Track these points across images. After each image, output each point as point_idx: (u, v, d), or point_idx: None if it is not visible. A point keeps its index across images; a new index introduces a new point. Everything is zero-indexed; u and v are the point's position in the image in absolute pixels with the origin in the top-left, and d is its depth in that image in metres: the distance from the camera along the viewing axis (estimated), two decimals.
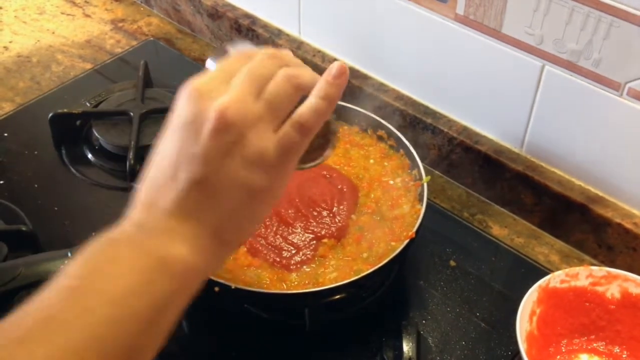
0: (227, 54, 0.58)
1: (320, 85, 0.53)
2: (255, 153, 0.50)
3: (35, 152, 0.98)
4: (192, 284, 0.50)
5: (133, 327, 0.45)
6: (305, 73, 0.54)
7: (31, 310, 0.44)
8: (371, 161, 0.85)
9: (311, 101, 0.52)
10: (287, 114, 0.52)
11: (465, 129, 0.93)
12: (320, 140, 0.57)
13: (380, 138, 0.87)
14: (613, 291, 0.74)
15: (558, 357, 0.74)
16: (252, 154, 0.50)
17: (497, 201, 0.93)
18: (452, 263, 0.85)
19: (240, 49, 0.57)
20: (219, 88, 0.51)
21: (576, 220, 0.86)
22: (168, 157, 0.51)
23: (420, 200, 0.79)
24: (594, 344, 0.75)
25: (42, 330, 0.43)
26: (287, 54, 0.55)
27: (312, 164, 0.58)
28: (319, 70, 1.05)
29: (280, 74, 0.52)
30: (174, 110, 0.52)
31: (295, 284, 0.72)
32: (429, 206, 0.77)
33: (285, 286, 0.72)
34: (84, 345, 0.43)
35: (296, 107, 0.53)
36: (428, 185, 0.79)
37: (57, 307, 0.44)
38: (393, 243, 0.75)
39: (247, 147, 0.49)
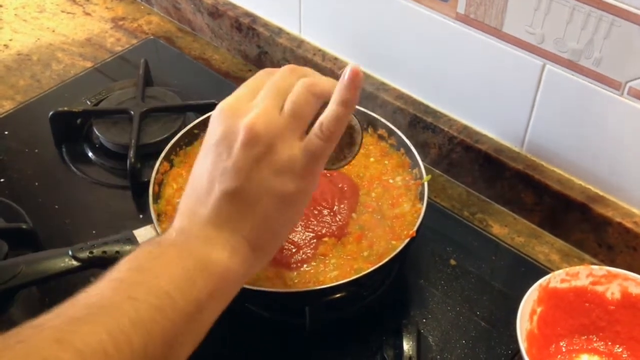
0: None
1: (337, 91, 0.57)
2: (284, 161, 0.54)
3: (36, 150, 0.98)
4: (230, 287, 0.55)
5: (175, 319, 0.49)
6: (324, 81, 0.58)
7: (83, 297, 0.48)
8: (371, 160, 0.85)
9: (331, 108, 0.56)
10: (310, 121, 0.57)
11: (465, 128, 0.93)
12: (346, 139, 0.62)
13: (380, 137, 0.87)
14: (613, 290, 0.74)
15: (559, 357, 0.74)
16: (280, 162, 0.54)
17: (497, 200, 0.93)
18: (453, 262, 0.85)
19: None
20: (245, 105, 0.56)
21: (576, 220, 0.86)
22: (204, 173, 0.56)
23: (421, 199, 0.79)
24: (595, 344, 0.75)
25: (92, 312, 0.47)
26: (306, 68, 0.60)
27: (341, 164, 0.64)
28: (320, 69, 1.06)
29: (299, 84, 0.57)
30: (208, 131, 0.57)
31: (296, 282, 0.72)
32: (429, 205, 0.77)
33: (285, 285, 0.72)
34: (130, 327, 0.46)
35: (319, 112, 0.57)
36: (428, 184, 0.79)
37: (107, 295, 0.48)
38: (394, 242, 0.75)
39: (275, 156, 0.54)
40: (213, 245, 0.54)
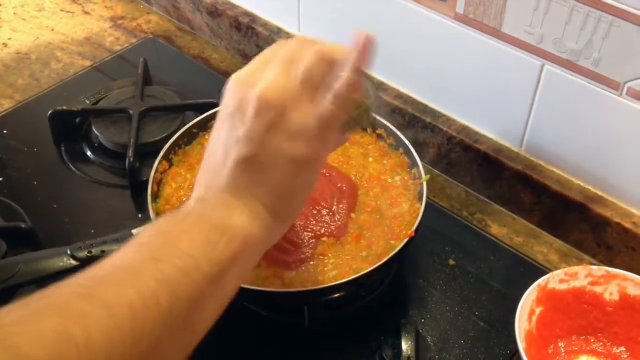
0: None
1: (350, 58, 0.57)
2: (296, 126, 0.55)
3: (35, 149, 0.98)
4: (251, 252, 0.55)
5: (199, 280, 0.49)
6: (335, 47, 0.58)
7: (108, 261, 0.49)
8: (370, 159, 0.85)
9: (343, 74, 0.57)
10: (318, 85, 0.57)
11: (464, 127, 0.93)
12: (361, 106, 0.62)
13: (379, 136, 0.87)
14: (612, 290, 0.74)
15: (557, 358, 0.74)
16: (293, 127, 0.55)
17: (496, 200, 0.93)
18: (451, 262, 0.85)
19: None
20: (257, 75, 0.56)
21: (575, 220, 0.86)
22: (218, 144, 0.57)
23: (420, 198, 0.79)
24: (593, 345, 0.75)
25: (117, 272, 0.48)
26: (317, 38, 0.60)
27: (356, 128, 0.64)
28: None
29: (310, 51, 0.57)
30: (222, 103, 0.58)
31: (295, 282, 0.72)
32: (427, 205, 0.77)
33: (284, 284, 0.72)
34: (156, 286, 0.47)
35: None
36: (427, 184, 0.79)
37: (130, 257, 0.50)
38: (392, 241, 0.75)
39: (288, 122, 0.55)
40: (231, 211, 0.54)
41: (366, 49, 0.58)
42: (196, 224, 0.53)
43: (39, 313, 0.43)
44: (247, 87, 0.56)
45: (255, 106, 0.54)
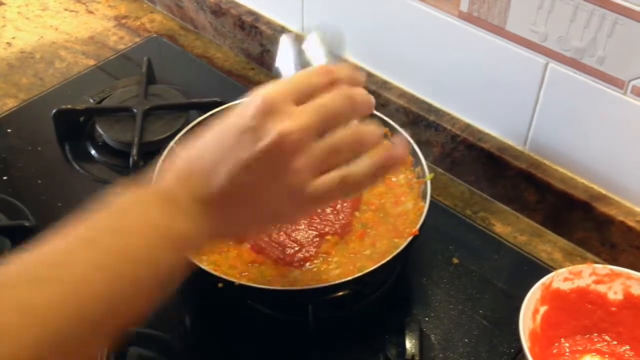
0: (303, 41, 0.60)
1: (379, 156, 0.56)
2: (294, 186, 0.53)
3: (39, 148, 0.99)
4: (183, 254, 0.55)
5: (138, 286, 0.50)
6: (373, 131, 0.56)
7: (43, 253, 0.48)
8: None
9: (363, 164, 0.55)
10: (341, 163, 0.55)
11: (468, 126, 0.93)
12: None
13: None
14: (616, 289, 0.74)
15: (561, 357, 0.74)
16: (291, 185, 0.53)
17: (500, 199, 0.93)
18: (455, 261, 0.85)
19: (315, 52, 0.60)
20: (288, 109, 0.53)
21: (579, 218, 0.86)
22: (217, 149, 0.53)
23: (424, 197, 0.79)
24: (597, 345, 0.75)
25: (54, 273, 0.46)
26: (362, 93, 0.57)
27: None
28: None
29: (351, 125, 0.55)
30: (239, 107, 0.54)
31: (299, 280, 0.72)
32: (431, 204, 0.77)
33: (288, 283, 0.72)
34: (92, 294, 0.46)
35: None
36: (431, 182, 0.79)
37: (72, 255, 0.48)
38: (396, 240, 0.75)
39: (291, 177, 0.53)
40: (191, 222, 0.52)
41: (401, 158, 0.58)
42: (151, 223, 0.52)
43: None
44: (271, 119, 0.52)
45: (270, 143, 0.51)
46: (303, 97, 0.54)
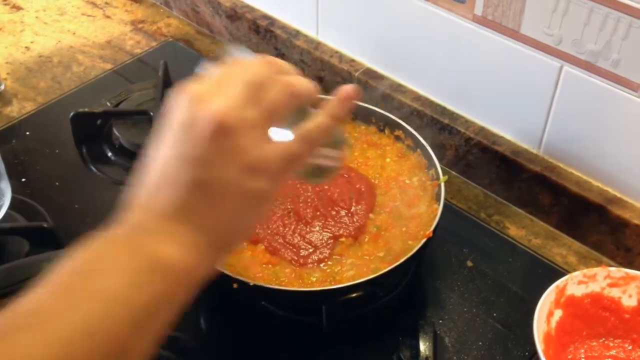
0: (220, 59, 0.57)
1: (331, 104, 0.55)
2: (256, 159, 0.50)
3: (57, 151, 1.00)
4: (186, 286, 0.50)
5: (123, 326, 0.45)
6: (302, 82, 0.54)
7: (20, 305, 0.44)
8: (388, 160, 0.86)
9: (320, 118, 0.54)
10: (281, 120, 0.52)
11: (482, 129, 0.93)
12: (331, 153, 0.58)
13: (397, 138, 0.87)
14: (631, 292, 0.73)
15: None
16: (252, 161, 0.50)
17: (514, 202, 0.93)
18: (469, 263, 0.85)
19: (236, 55, 0.57)
20: (215, 93, 0.50)
21: (594, 221, 0.86)
22: (166, 160, 0.50)
23: (437, 200, 0.79)
24: (613, 351, 0.74)
25: (29, 322, 0.43)
26: (282, 62, 0.55)
27: (318, 179, 0.60)
28: (337, 70, 1.06)
29: (277, 81, 0.52)
30: (168, 114, 0.51)
31: (313, 281, 0.73)
32: (445, 207, 0.77)
33: (302, 284, 0.72)
34: (70, 338, 0.42)
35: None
36: (445, 185, 0.79)
37: (47, 302, 0.44)
38: (410, 242, 0.75)
39: (245, 153, 0.49)
40: (169, 241, 0.48)
41: (349, 100, 0.55)
42: (126, 259, 0.47)
43: None
44: (202, 104, 0.49)
45: (212, 128, 0.48)
46: (227, 81, 0.51)
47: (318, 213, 0.79)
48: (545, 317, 0.71)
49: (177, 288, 0.48)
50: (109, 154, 0.99)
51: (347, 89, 0.55)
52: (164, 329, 0.48)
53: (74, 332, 0.43)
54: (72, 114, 0.98)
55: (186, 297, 0.49)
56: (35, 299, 0.44)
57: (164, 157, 0.50)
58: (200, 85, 0.51)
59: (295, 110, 0.54)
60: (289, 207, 0.79)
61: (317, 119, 0.54)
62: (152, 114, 0.98)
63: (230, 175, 0.49)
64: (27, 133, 1.02)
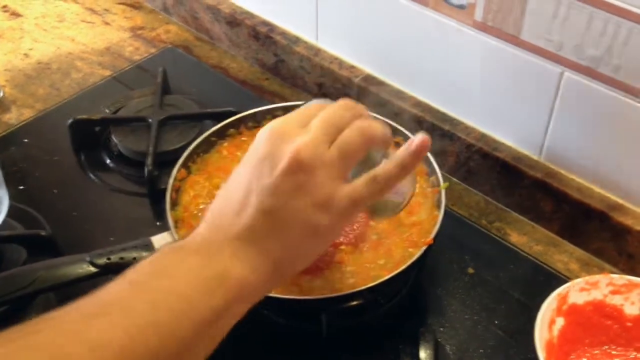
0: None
1: (402, 154, 0.59)
2: (324, 196, 0.55)
3: (55, 158, 0.99)
4: (247, 299, 0.55)
5: (192, 323, 0.50)
6: (377, 126, 0.59)
7: (101, 294, 0.49)
8: None
9: (390, 166, 0.58)
10: (356, 163, 0.58)
11: (483, 135, 0.93)
12: (400, 188, 0.63)
13: (397, 145, 0.86)
14: (633, 299, 0.73)
15: None
16: (320, 197, 0.55)
17: (515, 208, 0.92)
18: (470, 270, 0.85)
19: (317, 103, 0.63)
20: (295, 131, 0.56)
21: (596, 228, 0.85)
22: (240, 186, 0.56)
23: (438, 206, 0.78)
24: (616, 359, 0.74)
25: (108, 310, 0.48)
26: (360, 106, 0.60)
27: (386, 213, 0.67)
28: (337, 77, 1.05)
29: (353, 124, 0.57)
30: (253, 146, 0.57)
31: (313, 289, 0.72)
32: (446, 213, 0.76)
33: (302, 291, 0.72)
34: (146, 326, 0.47)
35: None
36: (446, 192, 0.79)
37: (124, 294, 0.49)
38: (411, 249, 0.75)
39: (316, 189, 0.55)
40: (237, 261, 0.53)
41: (420, 152, 0.59)
42: (197, 268, 0.53)
43: (24, 352, 0.43)
44: (282, 142, 0.55)
45: (287, 162, 0.54)
46: (308, 120, 0.58)
47: None
48: (547, 324, 0.71)
49: (238, 303, 0.53)
50: (108, 161, 0.99)
51: (421, 141, 0.59)
52: (219, 338, 0.53)
53: (142, 323, 0.47)
54: (70, 121, 0.98)
55: (242, 313, 0.55)
56: (113, 291, 0.50)
57: (243, 183, 0.56)
58: (282, 123, 0.57)
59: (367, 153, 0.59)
60: None
61: (388, 167, 0.58)
62: (150, 120, 0.98)
63: (299, 207, 0.54)
64: (26, 140, 1.02)
